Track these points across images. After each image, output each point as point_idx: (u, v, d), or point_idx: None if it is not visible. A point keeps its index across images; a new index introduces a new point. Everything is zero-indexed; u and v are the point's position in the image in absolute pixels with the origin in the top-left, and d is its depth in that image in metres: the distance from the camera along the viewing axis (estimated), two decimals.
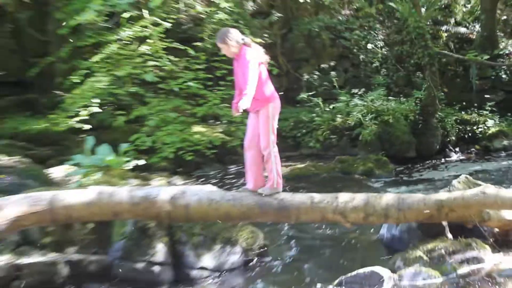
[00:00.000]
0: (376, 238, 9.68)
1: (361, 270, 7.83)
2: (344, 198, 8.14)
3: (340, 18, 19.56)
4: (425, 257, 8.12)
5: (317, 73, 18.37)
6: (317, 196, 8.21)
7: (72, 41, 16.93)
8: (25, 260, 8.17)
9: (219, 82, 16.16)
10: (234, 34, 8.35)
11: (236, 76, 8.45)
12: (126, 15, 14.34)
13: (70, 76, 15.48)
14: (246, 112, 8.47)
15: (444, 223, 8.63)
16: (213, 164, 15.46)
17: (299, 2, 18.17)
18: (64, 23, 16.56)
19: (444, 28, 19.55)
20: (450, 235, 8.67)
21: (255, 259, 9.05)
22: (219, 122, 16.42)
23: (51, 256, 8.46)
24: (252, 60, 8.19)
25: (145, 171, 13.71)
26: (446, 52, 18.69)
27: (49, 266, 8.07)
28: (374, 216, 8.10)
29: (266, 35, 17.64)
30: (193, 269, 8.54)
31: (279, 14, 18.70)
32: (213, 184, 10.91)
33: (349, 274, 7.86)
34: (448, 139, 17.37)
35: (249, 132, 8.59)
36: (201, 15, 16.93)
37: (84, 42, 16.36)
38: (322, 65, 18.44)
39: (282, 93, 18.60)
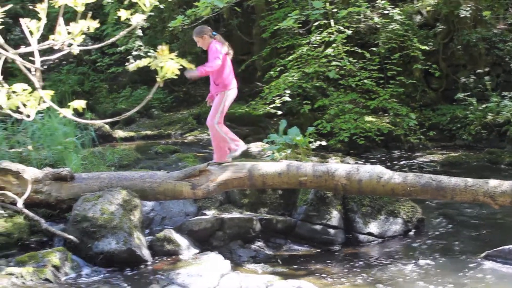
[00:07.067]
0: None
1: (506, 246, 7.47)
2: (493, 183, 7.74)
3: (495, 31, 18.60)
4: None
5: (472, 77, 17.58)
6: (470, 180, 7.85)
7: (271, 43, 17.16)
8: (227, 216, 8.38)
9: (390, 81, 15.85)
10: (208, 30, 8.37)
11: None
12: (316, 23, 14.40)
13: (269, 71, 15.75)
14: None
15: None
16: (380, 149, 15.17)
17: (460, 17, 17.42)
18: (266, 28, 16.86)
19: None
20: None
21: (413, 229, 8.84)
22: (387, 114, 16.11)
23: (247, 214, 8.64)
24: (217, 51, 8.14)
25: (323, 150, 13.68)
26: None
27: (245, 222, 8.21)
28: None
29: (430, 44, 17.06)
30: (361, 233, 8.45)
31: (442, 26, 18.03)
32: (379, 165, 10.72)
33: (494, 249, 7.54)
34: None
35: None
36: (377, 25, 16.64)
37: (281, 44, 16.55)
38: (477, 71, 17.64)
39: (441, 92, 18.20)
